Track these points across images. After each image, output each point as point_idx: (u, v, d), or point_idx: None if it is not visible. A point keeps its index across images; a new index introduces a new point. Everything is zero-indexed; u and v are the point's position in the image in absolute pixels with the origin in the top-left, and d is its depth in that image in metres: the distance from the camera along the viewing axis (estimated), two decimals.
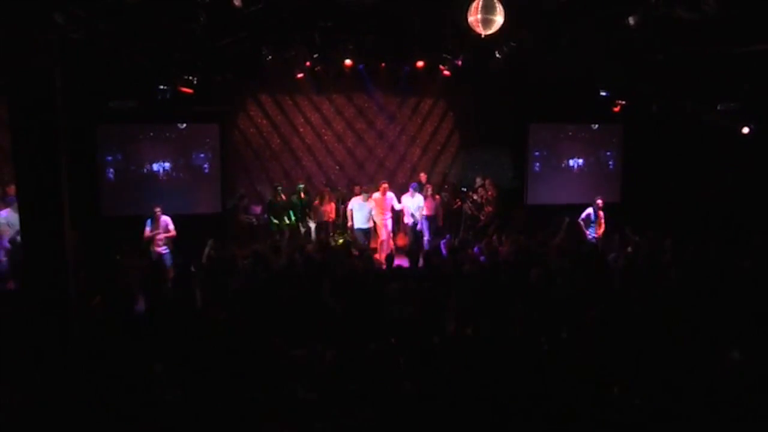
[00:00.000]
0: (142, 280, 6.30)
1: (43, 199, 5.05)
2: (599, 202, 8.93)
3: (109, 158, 10.07)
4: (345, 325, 5.01)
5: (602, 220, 9.02)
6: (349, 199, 10.36)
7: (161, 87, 8.73)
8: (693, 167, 10.71)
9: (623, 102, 10.63)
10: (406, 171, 11.80)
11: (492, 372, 4.01)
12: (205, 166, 10.59)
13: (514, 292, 5.64)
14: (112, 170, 10.07)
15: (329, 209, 10.03)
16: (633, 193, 11.42)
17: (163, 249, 8.15)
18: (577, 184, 11.63)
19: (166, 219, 8.22)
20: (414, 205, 9.42)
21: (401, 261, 7.81)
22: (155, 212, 8.16)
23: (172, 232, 8.17)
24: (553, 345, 4.52)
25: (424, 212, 9.66)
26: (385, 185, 9.61)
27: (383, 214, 9.35)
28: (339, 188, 11.09)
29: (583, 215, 8.95)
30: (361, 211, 9.03)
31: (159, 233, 8.10)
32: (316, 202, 9.96)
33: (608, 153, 11.91)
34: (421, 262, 6.97)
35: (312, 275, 6.16)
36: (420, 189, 9.81)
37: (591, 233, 8.92)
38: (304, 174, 11.30)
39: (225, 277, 6.21)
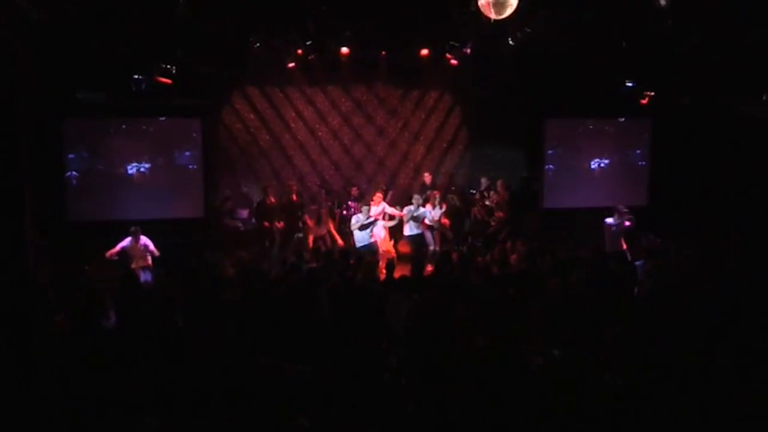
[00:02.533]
0: (114, 293, 6.21)
1: (1, 202, 4.98)
2: (623, 210, 8.72)
3: (76, 156, 9.97)
4: (341, 341, 5.04)
5: (625, 228, 8.72)
6: (345, 202, 10.52)
7: (136, 77, 8.67)
8: (730, 166, 10.64)
9: (652, 93, 10.59)
10: (408, 171, 11.79)
11: (501, 392, 4.02)
12: (186, 165, 10.52)
13: (528, 306, 5.66)
14: (79, 170, 9.95)
15: (323, 230, 9.81)
16: (662, 195, 11.39)
17: (146, 275, 8.09)
18: (599, 186, 11.58)
19: (144, 240, 8.14)
20: (417, 217, 9.26)
21: (404, 270, 7.82)
22: (132, 231, 8.05)
23: (156, 253, 8.14)
24: (570, 363, 4.53)
25: (435, 218, 9.55)
26: (379, 195, 9.59)
27: (383, 221, 9.39)
28: (335, 190, 11.10)
29: (605, 224, 8.77)
30: (362, 229, 8.99)
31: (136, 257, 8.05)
32: (311, 222, 9.81)
33: (634, 151, 11.86)
34: (426, 271, 7.05)
35: (306, 286, 6.16)
36: (425, 197, 9.59)
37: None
38: (295, 174, 11.27)
39: (209, 289, 6.20)
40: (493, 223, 10.36)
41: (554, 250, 8.02)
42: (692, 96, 10.24)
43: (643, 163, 11.81)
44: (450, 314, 5.41)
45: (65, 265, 8.00)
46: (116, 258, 7.99)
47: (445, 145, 11.83)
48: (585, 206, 11.09)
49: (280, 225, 10.07)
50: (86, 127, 9.96)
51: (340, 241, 9.58)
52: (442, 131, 11.81)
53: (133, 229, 8.07)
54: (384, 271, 7.79)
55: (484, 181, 10.87)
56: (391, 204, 9.86)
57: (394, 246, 9.92)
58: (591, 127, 11.75)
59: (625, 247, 8.54)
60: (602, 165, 11.70)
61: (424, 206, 9.39)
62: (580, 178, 11.65)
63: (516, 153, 11.69)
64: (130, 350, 4.73)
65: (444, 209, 9.69)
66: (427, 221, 9.21)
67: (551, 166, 11.61)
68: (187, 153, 10.51)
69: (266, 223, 9.99)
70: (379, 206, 9.48)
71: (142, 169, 10.21)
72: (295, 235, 10.05)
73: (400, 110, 11.61)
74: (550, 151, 11.61)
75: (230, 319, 5.39)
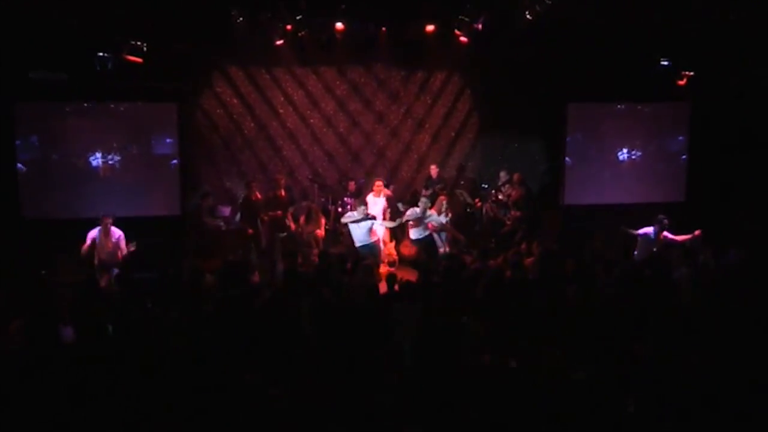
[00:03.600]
0: (73, 302, 6.06)
1: None
2: (665, 221, 8.55)
3: (27, 144, 9.90)
4: (327, 358, 5.06)
5: (662, 239, 8.54)
6: (341, 197, 10.57)
7: (101, 55, 8.65)
8: None
9: (691, 73, 10.55)
10: (411, 163, 11.75)
11: (512, 419, 4.07)
12: (160, 157, 10.49)
13: (546, 316, 5.66)
14: (31, 160, 9.89)
15: (315, 229, 9.71)
16: (702, 190, 11.29)
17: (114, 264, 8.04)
18: (629, 180, 11.54)
19: (117, 233, 8.03)
20: (422, 220, 9.09)
21: (408, 274, 7.87)
22: (105, 222, 7.91)
23: (124, 250, 8.04)
24: (593, 385, 4.52)
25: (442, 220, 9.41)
26: (379, 182, 9.57)
27: (381, 222, 9.37)
28: (329, 184, 11.10)
29: (641, 233, 8.69)
30: (359, 226, 8.88)
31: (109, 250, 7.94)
32: (302, 219, 9.77)
33: (670, 140, 11.79)
34: (434, 276, 6.94)
35: (293, 294, 6.11)
36: (432, 194, 9.61)
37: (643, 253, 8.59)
38: (285, 167, 11.23)
39: (185, 298, 6.16)
40: (507, 222, 10.35)
41: (577, 253, 8.04)
42: (738, 76, 10.14)
43: (681, 153, 11.78)
44: (458, 326, 5.41)
45: (20, 269, 7.95)
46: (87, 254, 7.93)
47: (453, 133, 11.82)
48: (612, 203, 11.01)
49: (265, 219, 9.92)
50: (42, 112, 9.89)
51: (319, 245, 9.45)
52: (450, 118, 11.79)
53: (103, 218, 7.88)
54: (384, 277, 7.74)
55: (503, 175, 10.81)
56: (392, 200, 9.90)
57: (396, 248, 9.92)
58: (620, 112, 11.71)
59: (657, 251, 8.48)
60: (633, 156, 11.66)
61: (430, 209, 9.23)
62: (606, 171, 11.59)
63: (533, 143, 11.66)
64: (90, 368, 4.68)
65: (450, 216, 9.59)
66: (433, 225, 9.10)
67: (573, 158, 11.55)
68: (162, 143, 10.45)
69: (250, 223, 9.88)
70: (379, 197, 9.49)
71: (109, 161, 10.14)
72: (278, 235, 9.98)
73: (403, 94, 11.59)
74: (572, 140, 11.55)
75: (207, 332, 5.37)
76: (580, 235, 10.11)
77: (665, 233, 8.50)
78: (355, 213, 8.87)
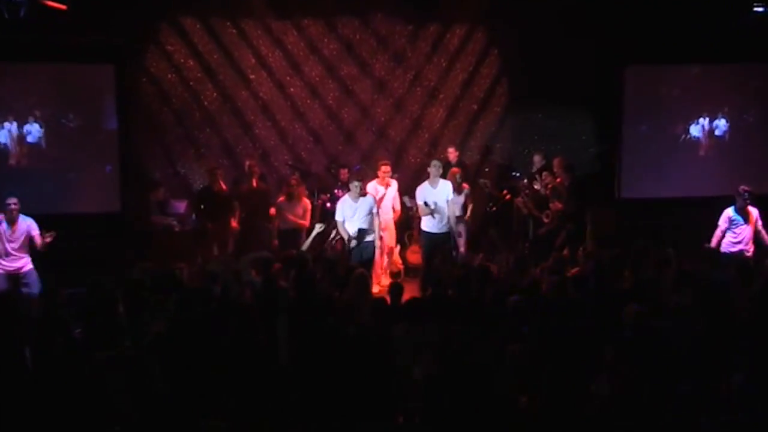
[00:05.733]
0: None
1: None
2: (743, 189, 8.66)
3: None
4: (316, 395, 5.18)
5: (754, 223, 8.70)
6: (329, 189, 10.61)
7: None
8: None
9: None
10: (421, 144, 11.63)
11: None
12: (92, 136, 10.28)
13: (595, 345, 5.64)
14: None
15: (300, 209, 9.89)
16: None
17: (24, 264, 8.11)
18: (709, 165, 11.38)
19: (28, 223, 8.12)
20: (440, 198, 9.15)
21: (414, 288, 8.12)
22: (9, 209, 7.98)
23: (39, 241, 8.12)
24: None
25: (457, 211, 9.55)
26: (386, 168, 9.51)
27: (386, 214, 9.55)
28: (314, 172, 11.10)
29: (721, 221, 8.77)
30: (356, 218, 8.93)
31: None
32: (281, 198, 9.87)
33: (762, 112, 11.51)
34: (450, 290, 7.07)
35: (269, 313, 6.27)
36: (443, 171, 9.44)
37: (734, 246, 8.69)
38: (256, 149, 11.18)
39: (127, 318, 6.26)
40: (545, 221, 10.07)
41: (637, 260, 7.79)
42: None
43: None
44: (483, 356, 5.49)
45: None
46: None
47: (475, 106, 11.67)
48: (684, 196, 10.95)
49: (234, 223, 10.06)
50: None
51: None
52: (472, 86, 11.61)
53: (7, 202, 7.97)
54: (382, 288, 8.52)
55: (537, 160, 10.68)
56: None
57: (401, 253, 10.07)
58: (695, 76, 11.45)
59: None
60: (712, 134, 11.49)
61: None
62: (676, 154, 11.39)
63: (580, 118, 11.46)
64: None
65: (467, 192, 9.81)
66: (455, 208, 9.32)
67: (633, 138, 11.37)
68: (94, 118, 10.31)
69: (213, 222, 9.97)
70: (386, 185, 9.53)
71: (23, 139, 9.96)
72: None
73: (410, 55, 11.45)
74: (630, 115, 11.36)
75: (155, 359, 5.37)
76: (641, 237, 9.32)
77: (749, 208, 8.64)
78: (348, 199, 8.83)
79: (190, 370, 5.32)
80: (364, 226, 8.82)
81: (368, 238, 8.88)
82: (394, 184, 9.66)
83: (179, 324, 6.00)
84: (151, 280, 7.16)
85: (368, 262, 8.66)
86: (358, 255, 8.80)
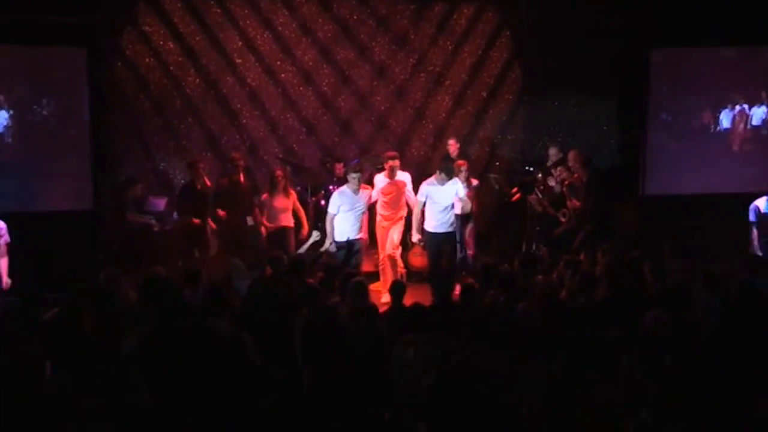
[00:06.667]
0: None
1: None
2: None
3: None
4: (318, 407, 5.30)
5: None
6: (324, 186, 10.52)
7: None
8: None
9: None
10: (425, 135, 11.66)
11: None
12: (62, 126, 10.27)
13: (618, 350, 5.73)
14: None
15: (284, 203, 9.79)
16: None
17: None
18: (742, 158, 11.31)
19: None
20: (448, 197, 9.18)
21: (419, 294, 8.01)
22: None
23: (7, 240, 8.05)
24: None
25: (460, 208, 9.51)
26: (395, 161, 9.40)
27: (393, 211, 9.46)
28: (307, 166, 11.09)
29: (751, 212, 8.81)
30: (351, 213, 8.95)
31: None
32: (264, 195, 9.85)
33: None
34: (456, 295, 7.18)
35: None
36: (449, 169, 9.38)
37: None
38: (244, 140, 11.18)
39: (99, 327, 6.16)
40: (562, 220, 10.02)
41: (664, 264, 7.92)
42: None
43: None
44: (493, 370, 5.39)
45: None
46: None
47: (484, 94, 11.64)
48: (715, 192, 10.89)
49: (211, 222, 10.02)
50: None
51: (305, 228, 9.66)
52: (481, 71, 11.58)
53: None
54: (382, 293, 8.53)
55: (553, 153, 10.61)
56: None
57: (403, 256, 9.95)
58: (729, 60, 11.31)
59: None
60: (747, 124, 11.38)
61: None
62: (707, 146, 11.38)
63: (601, 107, 11.45)
64: None
65: (474, 185, 9.86)
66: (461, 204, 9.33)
67: (659, 128, 11.34)
68: (64, 107, 10.28)
69: (196, 220, 9.91)
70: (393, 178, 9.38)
71: None
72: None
73: (413, 37, 11.44)
74: (657, 102, 11.32)
75: (130, 374, 5.42)
76: (667, 238, 9.89)
77: None
78: (347, 190, 8.85)
79: (176, 387, 5.28)
80: (357, 223, 8.83)
81: (357, 236, 8.90)
82: (407, 178, 9.54)
83: (162, 336, 5.93)
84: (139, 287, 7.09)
85: (355, 266, 8.74)
86: (343, 255, 8.83)
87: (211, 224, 9.98)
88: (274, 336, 6.27)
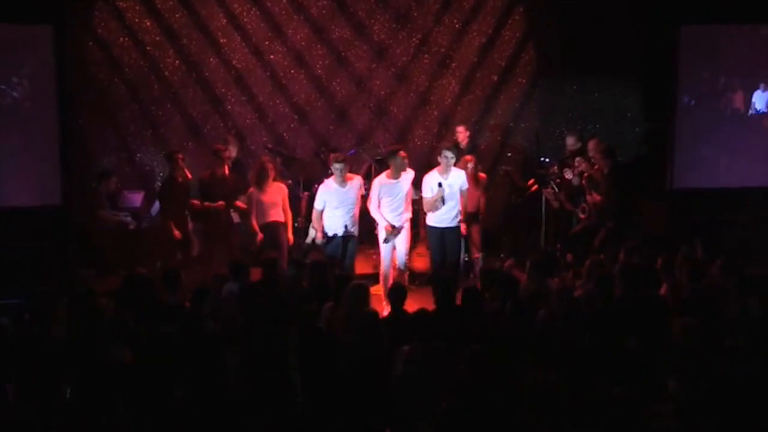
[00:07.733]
0: None
1: None
2: None
3: None
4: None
5: None
6: (318, 179, 10.32)
7: None
8: None
9: None
10: (429, 123, 11.65)
11: None
12: (25, 113, 10.23)
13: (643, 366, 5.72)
14: None
15: (274, 197, 9.63)
16: None
17: None
18: None
19: None
20: (452, 189, 9.12)
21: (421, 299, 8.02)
22: None
23: None
24: None
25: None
26: (401, 153, 9.32)
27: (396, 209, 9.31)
28: (299, 157, 11.15)
29: None
30: (340, 209, 8.98)
31: None
32: (251, 189, 9.66)
33: None
34: (460, 299, 7.06)
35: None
36: (455, 156, 9.32)
37: None
38: (228, 129, 11.17)
39: (69, 336, 6.24)
40: (581, 216, 10.07)
41: (696, 265, 7.70)
42: None
43: None
44: (506, 383, 5.35)
45: None
46: None
47: (495, 77, 11.65)
48: (752, 186, 10.91)
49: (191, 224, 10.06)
50: None
51: (290, 236, 9.59)
52: (491, 52, 11.58)
53: None
54: (383, 299, 8.49)
55: (571, 142, 10.68)
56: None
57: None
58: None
59: None
60: None
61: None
62: (743, 134, 11.26)
63: (624, 91, 11.54)
64: None
65: (484, 184, 9.90)
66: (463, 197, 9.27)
67: (689, 115, 11.21)
68: (26, 90, 10.25)
69: (176, 218, 9.93)
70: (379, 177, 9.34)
71: None
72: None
73: (416, 15, 11.45)
74: (688, 86, 11.23)
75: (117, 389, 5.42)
76: (698, 235, 9.38)
77: None
78: (333, 183, 8.85)
79: (166, 405, 5.36)
80: (348, 218, 8.82)
81: (352, 229, 8.93)
82: (410, 174, 9.41)
83: (153, 347, 6.01)
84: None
85: (351, 262, 8.85)
86: (332, 250, 8.80)
87: (189, 223, 9.97)
88: (267, 350, 6.18)
